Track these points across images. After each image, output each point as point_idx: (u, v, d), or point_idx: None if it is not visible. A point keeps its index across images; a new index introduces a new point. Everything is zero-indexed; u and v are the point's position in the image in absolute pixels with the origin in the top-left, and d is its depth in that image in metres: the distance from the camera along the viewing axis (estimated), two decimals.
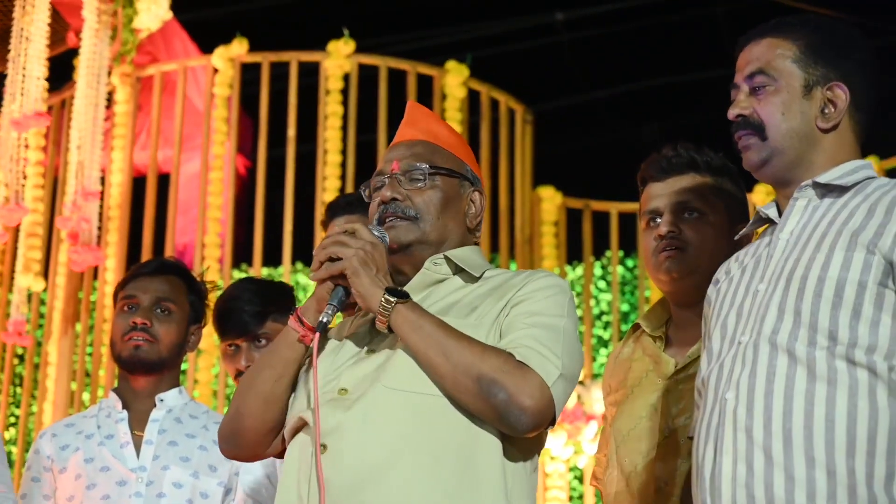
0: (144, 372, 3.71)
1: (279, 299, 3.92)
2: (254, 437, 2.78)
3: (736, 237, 2.99)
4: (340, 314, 2.96)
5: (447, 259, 2.82)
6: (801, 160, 2.77)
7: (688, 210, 3.31)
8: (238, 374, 3.99)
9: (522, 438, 2.64)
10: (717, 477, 2.60)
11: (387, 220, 2.83)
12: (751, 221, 2.93)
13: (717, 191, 3.30)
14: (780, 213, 2.83)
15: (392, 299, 2.63)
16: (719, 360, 2.71)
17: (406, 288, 2.75)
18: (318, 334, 2.67)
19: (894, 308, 2.58)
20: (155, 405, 3.71)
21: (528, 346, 2.62)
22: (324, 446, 2.59)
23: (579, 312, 10.32)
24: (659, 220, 3.33)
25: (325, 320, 2.68)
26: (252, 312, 3.87)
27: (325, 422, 2.61)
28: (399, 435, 2.58)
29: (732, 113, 2.82)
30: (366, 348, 2.73)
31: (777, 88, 2.78)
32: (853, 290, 2.58)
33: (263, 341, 3.81)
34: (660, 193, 3.35)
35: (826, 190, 2.75)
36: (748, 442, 2.57)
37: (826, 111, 2.77)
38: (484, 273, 2.84)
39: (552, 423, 2.63)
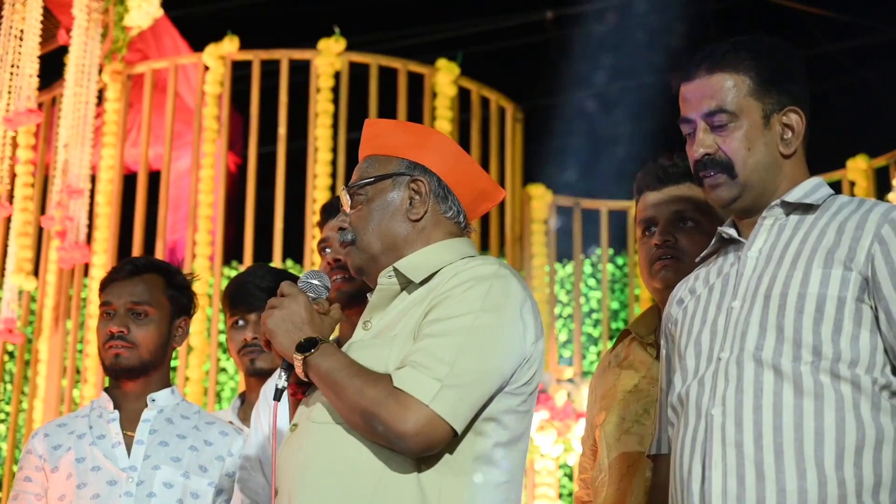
0: (129, 377, 3.71)
1: (292, 279, 3.98)
2: None
3: (697, 259, 2.99)
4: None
5: (396, 270, 2.79)
6: (767, 189, 2.81)
7: (683, 219, 3.32)
8: (242, 348, 4.04)
9: (449, 448, 2.62)
10: (708, 491, 2.61)
11: (344, 250, 2.90)
12: (712, 242, 2.94)
13: None
14: (738, 233, 2.86)
15: (299, 355, 2.68)
16: (697, 377, 2.73)
17: (369, 307, 2.81)
18: (276, 403, 2.75)
19: (871, 323, 2.63)
20: (146, 405, 3.72)
21: (410, 364, 2.59)
22: (276, 491, 2.72)
23: (569, 310, 10.34)
24: (654, 229, 3.35)
25: (279, 387, 2.75)
26: (263, 287, 3.95)
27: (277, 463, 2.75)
28: (309, 466, 2.64)
29: (698, 153, 2.81)
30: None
31: (739, 124, 2.79)
32: (833, 306, 2.62)
33: None
34: (655, 203, 3.36)
35: (792, 209, 2.79)
36: (738, 456, 2.60)
37: (785, 137, 2.80)
38: (439, 271, 2.77)
39: (454, 433, 2.59)
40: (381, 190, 2.84)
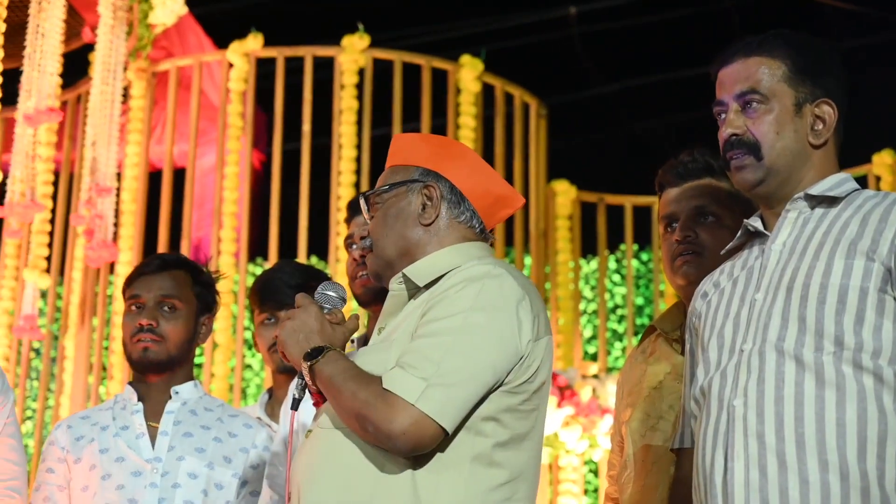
0: (156, 371, 3.73)
1: (320, 276, 4.00)
2: None
3: (723, 252, 3.00)
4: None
5: (404, 276, 2.83)
6: (793, 177, 2.81)
7: (704, 215, 3.33)
8: (272, 346, 4.05)
9: (443, 448, 2.64)
10: (730, 482, 2.61)
11: (366, 258, 2.98)
12: (738, 235, 2.94)
13: (734, 195, 3.30)
14: (764, 226, 2.86)
15: (306, 363, 2.74)
16: (720, 369, 2.73)
17: (382, 314, 2.86)
18: (292, 412, 2.85)
19: (894, 313, 2.62)
20: (170, 397, 3.73)
21: (399, 366, 2.63)
22: (289, 496, 2.78)
23: (594, 306, 10.35)
24: (676, 225, 3.35)
25: (295, 396, 2.83)
26: (292, 284, 3.97)
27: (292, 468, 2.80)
28: (314, 469, 2.69)
29: (727, 132, 2.83)
30: None
31: (770, 108, 2.81)
32: (855, 296, 2.62)
33: None
34: (676, 199, 3.37)
35: (816, 202, 2.80)
36: (760, 447, 2.60)
37: (816, 128, 2.81)
38: (446, 274, 2.78)
39: (445, 433, 2.60)
40: (396, 197, 2.89)
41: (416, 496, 2.60)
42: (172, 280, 3.76)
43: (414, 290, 2.82)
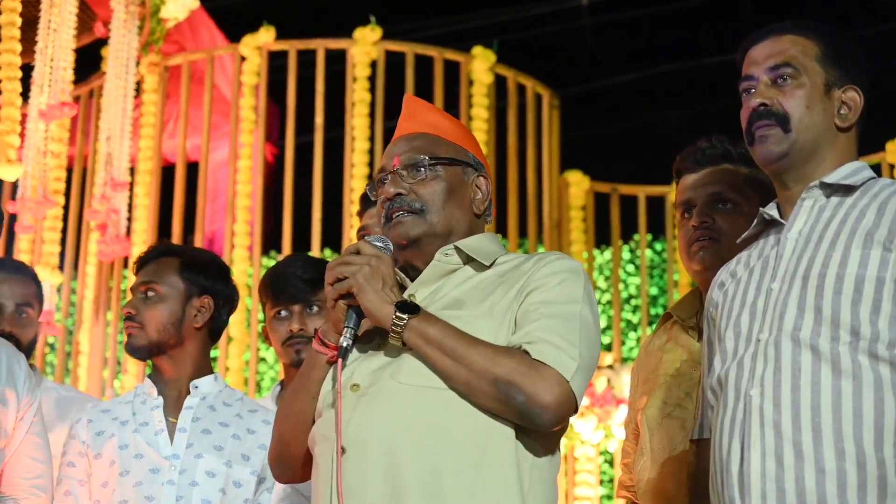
0: (142, 357, 3.80)
1: None
2: (301, 458, 2.83)
3: (739, 240, 2.99)
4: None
5: (457, 249, 2.80)
6: (815, 156, 2.81)
7: (721, 201, 3.32)
8: (286, 340, 4.04)
9: (535, 436, 2.65)
10: (747, 472, 2.61)
11: (393, 215, 2.83)
12: (754, 223, 2.94)
13: (752, 182, 3.30)
14: (780, 214, 2.86)
15: (403, 316, 2.65)
16: (736, 359, 2.73)
17: (418, 280, 2.79)
18: (340, 360, 2.69)
19: None
20: (189, 392, 3.74)
21: (544, 340, 2.62)
22: (343, 449, 2.62)
23: (608, 297, 10.34)
24: (693, 211, 3.35)
25: (345, 345, 2.70)
26: (305, 279, 3.96)
27: (344, 423, 2.65)
28: (409, 428, 2.60)
29: (755, 102, 2.82)
30: (377, 341, 2.74)
31: (801, 83, 2.81)
32: (872, 287, 2.62)
33: (316, 308, 3.91)
34: (693, 185, 3.37)
35: (832, 190, 2.79)
36: (776, 437, 2.59)
37: (842, 112, 2.82)
38: (496, 260, 2.81)
39: (574, 412, 2.64)
40: (453, 174, 2.86)
41: (519, 473, 2.60)
42: (155, 266, 3.80)
43: (460, 265, 2.80)
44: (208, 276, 3.82)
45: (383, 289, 2.67)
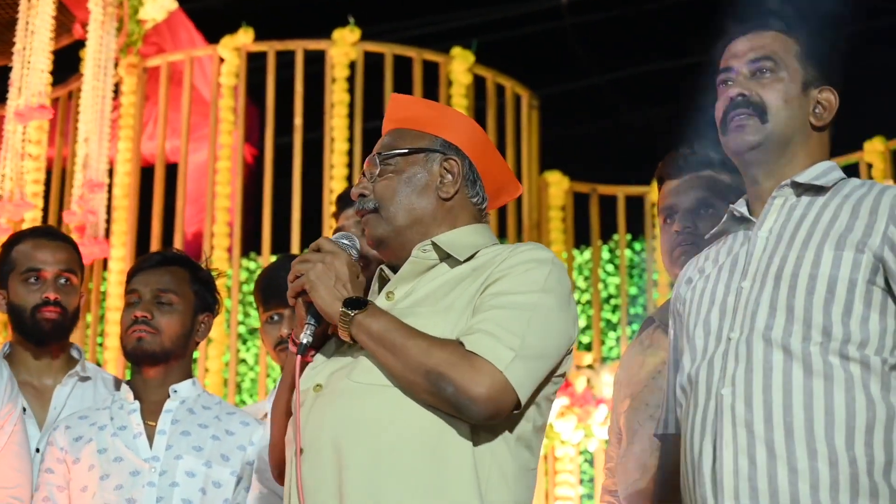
0: (150, 363, 3.73)
1: None
2: None
3: (707, 236, 3.00)
4: None
5: (434, 245, 2.77)
6: (787, 151, 2.83)
7: (703, 207, 3.35)
8: (278, 344, 4.03)
9: (502, 423, 2.62)
10: (719, 471, 2.62)
11: (362, 218, 2.85)
12: (723, 219, 2.94)
13: (734, 188, 3.31)
14: (749, 212, 2.87)
15: (350, 312, 2.64)
16: (707, 357, 2.73)
17: (396, 278, 2.78)
18: (299, 357, 2.71)
19: (881, 305, 2.64)
20: (168, 396, 3.73)
21: (482, 331, 2.58)
22: (301, 449, 2.63)
23: (587, 296, 10.35)
24: (675, 216, 3.37)
25: (304, 342, 2.72)
26: None
27: (303, 423, 2.66)
28: (356, 426, 2.59)
29: (734, 92, 2.84)
30: (344, 342, 2.73)
31: (780, 77, 2.83)
32: (844, 288, 2.63)
33: None
34: (676, 191, 3.40)
35: (803, 189, 2.80)
36: (749, 436, 2.60)
37: (817, 111, 2.84)
38: (477, 252, 2.76)
39: (518, 405, 2.58)
40: (412, 163, 2.83)
41: (476, 471, 2.56)
42: (170, 275, 3.77)
43: (438, 261, 2.77)
44: (210, 292, 3.84)
45: (335, 285, 2.67)
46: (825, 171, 2.82)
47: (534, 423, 2.67)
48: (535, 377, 2.61)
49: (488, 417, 2.56)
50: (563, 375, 2.74)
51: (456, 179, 2.82)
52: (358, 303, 2.65)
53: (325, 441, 2.61)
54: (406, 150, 2.83)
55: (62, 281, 4.00)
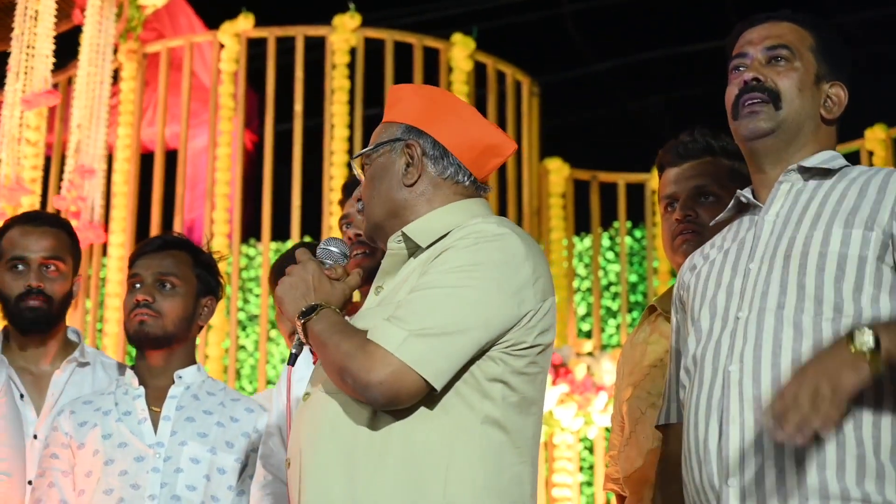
0: (152, 347, 3.73)
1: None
2: None
3: (713, 223, 2.99)
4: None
5: (404, 235, 2.77)
6: (797, 140, 2.83)
7: (704, 194, 3.35)
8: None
9: (456, 407, 2.60)
10: (725, 447, 2.61)
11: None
12: (729, 206, 2.94)
13: (734, 175, 3.32)
14: (756, 198, 2.87)
15: (300, 319, 2.71)
16: (713, 338, 2.72)
17: (380, 272, 2.80)
18: (290, 367, 2.80)
19: (890, 286, 2.63)
20: (173, 381, 3.73)
21: (383, 320, 2.59)
22: (288, 462, 2.73)
23: (587, 284, 10.35)
24: (676, 204, 3.36)
25: (293, 352, 2.83)
26: None
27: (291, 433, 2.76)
28: (314, 435, 2.64)
29: (748, 76, 2.83)
30: None
31: (795, 66, 2.84)
32: (854, 265, 2.63)
33: None
34: (676, 178, 3.39)
35: (810, 174, 2.81)
36: (756, 412, 2.58)
37: (828, 105, 2.85)
38: (449, 233, 2.72)
39: (428, 383, 2.54)
40: (381, 157, 2.85)
41: (434, 463, 2.55)
42: (172, 259, 3.78)
43: (414, 250, 2.76)
44: (213, 275, 3.84)
45: (299, 297, 2.74)
46: (831, 157, 2.83)
47: (505, 401, 2.63)
48: (447, 353, 2.55)
49: (389, 402, 2.55)
50: (536, 347, 2.67)
51: (416, 163, 2.80)
52: (309, 310, 2.72)
53: (296, 451, 2.68)
54: (372, 147, 2.87)
55: (48, 268, 3.98)
